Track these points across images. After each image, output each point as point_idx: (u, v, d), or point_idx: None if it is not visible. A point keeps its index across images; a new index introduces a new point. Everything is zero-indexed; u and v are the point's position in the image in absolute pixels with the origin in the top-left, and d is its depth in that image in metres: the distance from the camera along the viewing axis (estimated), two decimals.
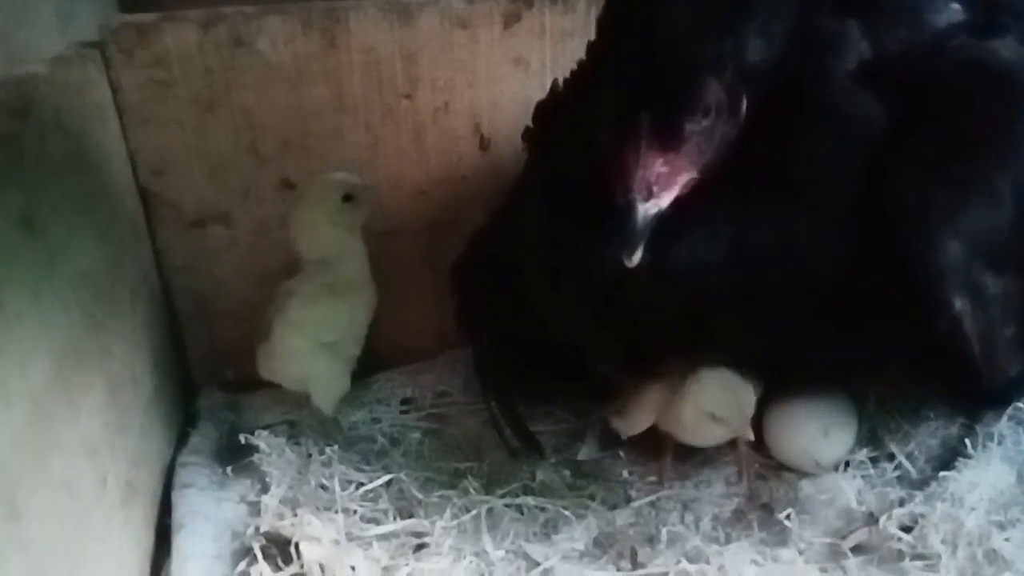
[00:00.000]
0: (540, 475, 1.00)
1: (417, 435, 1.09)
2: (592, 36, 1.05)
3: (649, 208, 0.68)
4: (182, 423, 1.08)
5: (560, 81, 0.94)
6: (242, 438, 1.01)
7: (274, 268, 1.09)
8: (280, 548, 0.85)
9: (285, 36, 0.98)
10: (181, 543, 0.86)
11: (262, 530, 0.87)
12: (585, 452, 1.04)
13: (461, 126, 1.08)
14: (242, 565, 0.84)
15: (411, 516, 0.91)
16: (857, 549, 0.85)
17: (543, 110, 0.95)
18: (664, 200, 0.69)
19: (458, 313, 1.04)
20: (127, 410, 0.87)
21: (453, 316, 1.05)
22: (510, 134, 1.09)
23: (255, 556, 0.84)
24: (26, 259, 0.65)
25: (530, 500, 0.95)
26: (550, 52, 1.06)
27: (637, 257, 0.68)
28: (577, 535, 0.90)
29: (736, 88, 0.70)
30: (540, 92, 1.07)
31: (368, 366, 1.13)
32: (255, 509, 0.93)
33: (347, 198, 0.98)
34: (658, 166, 0.68)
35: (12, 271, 0.62)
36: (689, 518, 0.93)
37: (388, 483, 0.97)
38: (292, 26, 0.98)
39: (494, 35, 1.04)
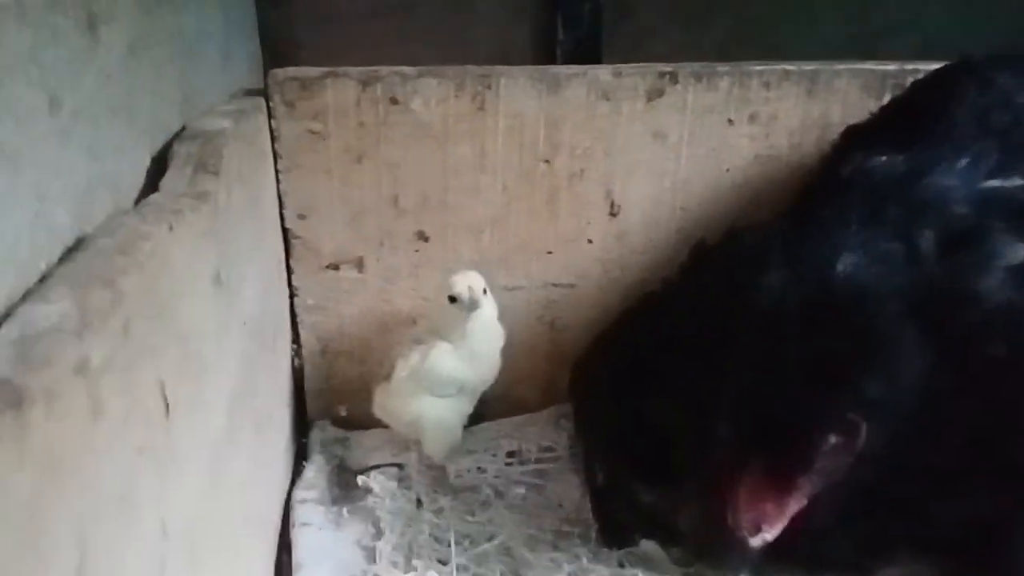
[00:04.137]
0: (644, 545, 1.01)
1: (521, 490, 1.10)
2: (732, 113, 1.08)
3: (755, 541, 0.74)
4: (296, 455, 1.12)
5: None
6: (359, 480, 1.05)
7: (398, 314, 1.13)
8: None
9: (438, 97, 1.02)
10: None
11: None
12: None
13: (594, 192, 1.10)
14: None
15: None
16: None
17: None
18: (771, 534, 0.74)
19: (576, 422, 1.08)
20: (265, 446, 0.91)
21: (572, 421, 1.09)
22: (640, 203, 1.12)
23: None
24: (214, 312, 0.69)
25: (639, 572, 0.95)
26: (689, 127, 1.08)
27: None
28: None
29: (856, 423, 0.72)
30: (675, 165, 1.10)
31: (477, 413, 1.16)
32: (370, 554, 0.96)
33: (452, 299, 0.98)
34: (768, 508, 0.74)
35: (205, 325, 0.66)
36: None
37: (494, 537, 1.00)
38: (446, 88, 1.02)
39: (636, 108, 1.06)
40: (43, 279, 0.52)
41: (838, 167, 0.96)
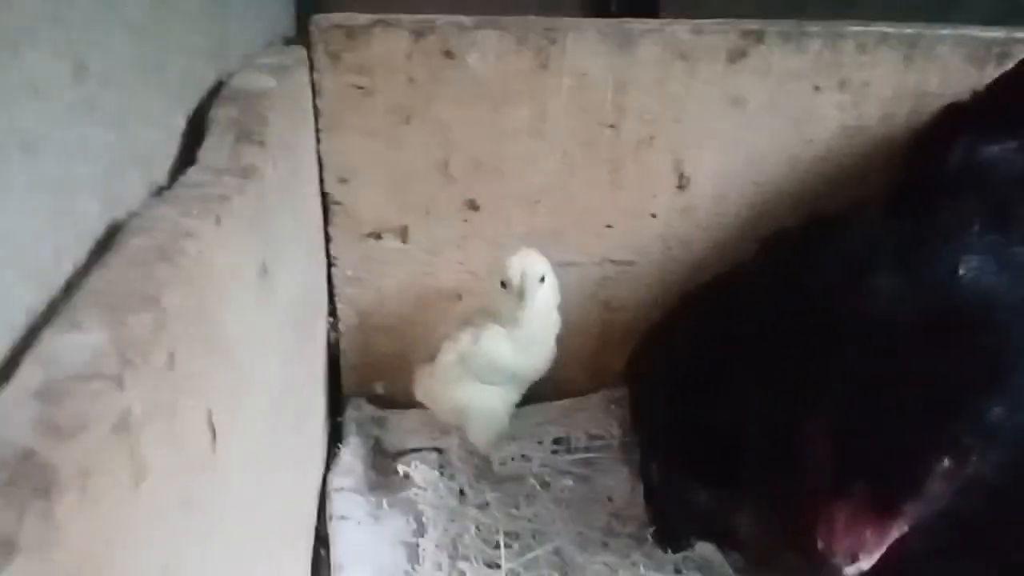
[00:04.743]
0: (702, 548, 0.94)
1: (569, 481, 1.03)
2: (820, 79, 0.97)
3: (850, 571, 0.67)
4: (330, 434, 1.05)
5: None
6: (398, 468, 0.98)
7: (442, 289, 1.05)
8: None
9: (497, 52, 0.91)
10: None
11: None
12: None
13: (662, 162, 1.00)
14: None
15: None
16: None
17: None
18: (867, 563, 0.66)
19: (632, 413, 1.01)
20: (303, 435, 0.84)
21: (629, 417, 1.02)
22: (712, 176, 1.02)
23: None
24: (259, 310, 0.60)
25: None
26: (770, 94, 0.97)
27: None
28: None
29: (972, 447, 0.64)
30: (752, 135, 1.00)
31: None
32: (412, 552, 0.90)
33: (504, 284, 0.87)
34: (867, 535, 0.66)
35: (250, 328, 0.57)
36: None
37: (542, 535, 0.93)
38: (506, 42, 0.91)
39: (714, 70, 0.95)
40: (70, 286, 0.43)
41: (942, 153, 0.86)
